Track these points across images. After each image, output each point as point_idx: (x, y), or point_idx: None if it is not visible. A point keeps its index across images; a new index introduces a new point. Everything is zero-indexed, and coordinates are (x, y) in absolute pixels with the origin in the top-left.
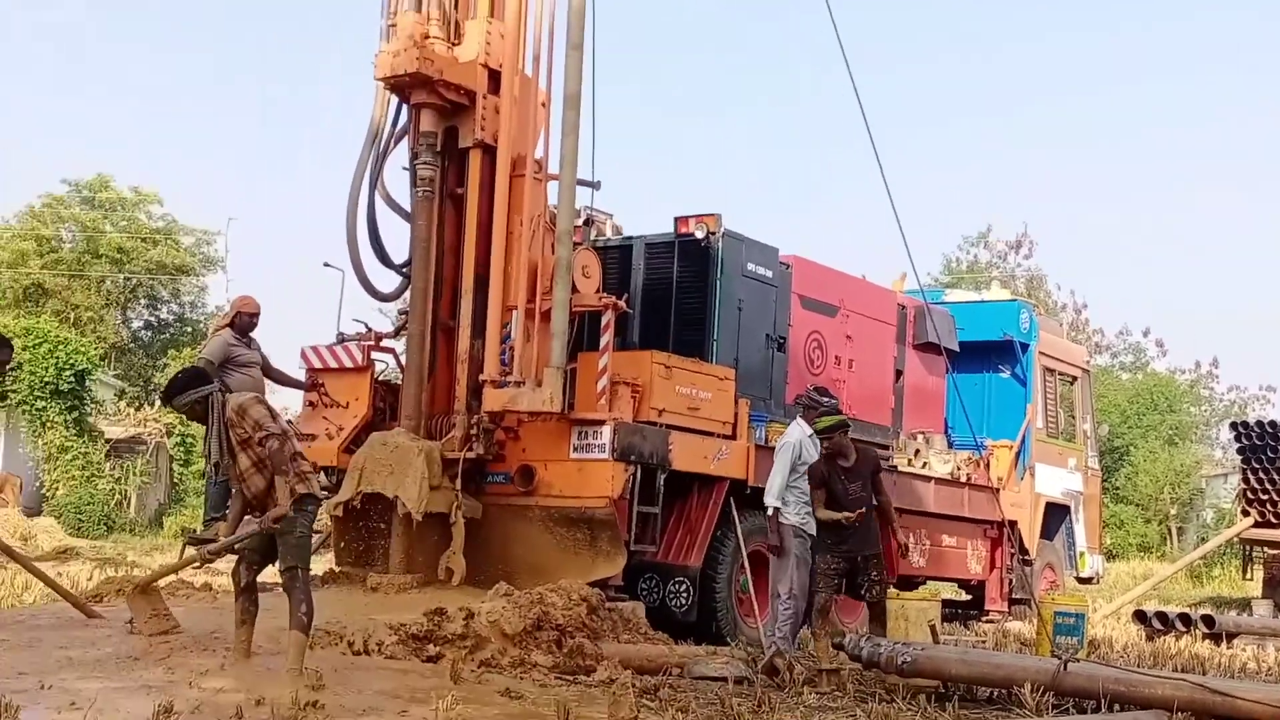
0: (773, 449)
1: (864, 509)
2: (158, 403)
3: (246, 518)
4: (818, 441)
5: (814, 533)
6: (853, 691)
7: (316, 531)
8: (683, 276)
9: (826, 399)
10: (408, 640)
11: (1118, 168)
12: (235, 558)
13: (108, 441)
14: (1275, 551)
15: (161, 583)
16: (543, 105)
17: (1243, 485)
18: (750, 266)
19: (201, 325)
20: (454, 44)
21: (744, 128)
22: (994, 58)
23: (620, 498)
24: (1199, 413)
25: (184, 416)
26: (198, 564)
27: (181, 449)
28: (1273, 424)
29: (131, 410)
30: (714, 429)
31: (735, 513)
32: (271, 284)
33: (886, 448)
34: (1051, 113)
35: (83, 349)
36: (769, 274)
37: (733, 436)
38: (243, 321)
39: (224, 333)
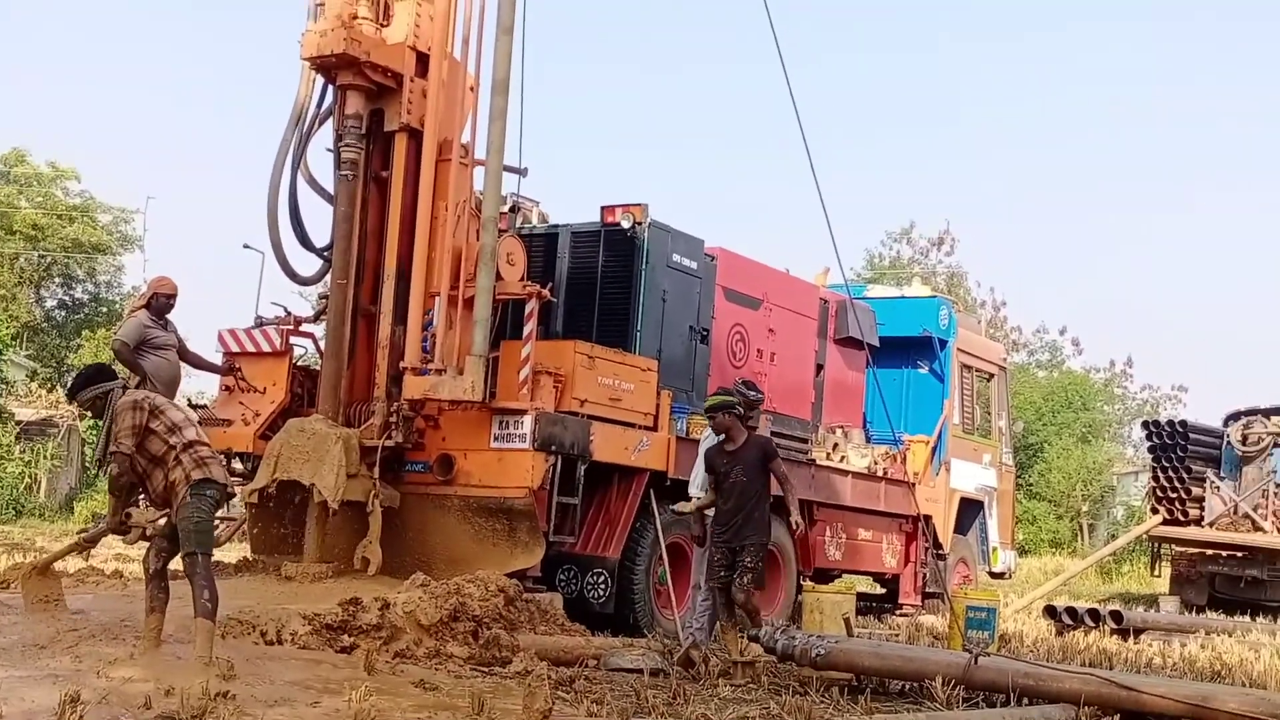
0: (695, 441)
1: (740, 496)
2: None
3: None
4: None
5: None
6: (767, 684)
7: (230, 518)
8: (608, 266)
9: (753, 393)
10: (322, 630)
11: (1038, 169)
12: (147, 543)
13: (18, 423)
14: (1182, 549)
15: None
16: (471, 90)
17: (1152, 483)
18: (675, 258)
19: (117, 305)
20: (382, 25)
21: (673, 120)
22: (924, 59)
23: (540, 488)
24: (1112, 411)
25: (88, 412)
26: (80, 549)
27: (95, 433)
28: (1183, 423)
29: (43, 392)
30: (636, 420)
31: (655, 504)
32: (190, 265)
33: (805, 440)
34: (977, 113)
35: None
36: (694, 265)
37: (654, 428)
38: (159, 303)
39: (140, 314)
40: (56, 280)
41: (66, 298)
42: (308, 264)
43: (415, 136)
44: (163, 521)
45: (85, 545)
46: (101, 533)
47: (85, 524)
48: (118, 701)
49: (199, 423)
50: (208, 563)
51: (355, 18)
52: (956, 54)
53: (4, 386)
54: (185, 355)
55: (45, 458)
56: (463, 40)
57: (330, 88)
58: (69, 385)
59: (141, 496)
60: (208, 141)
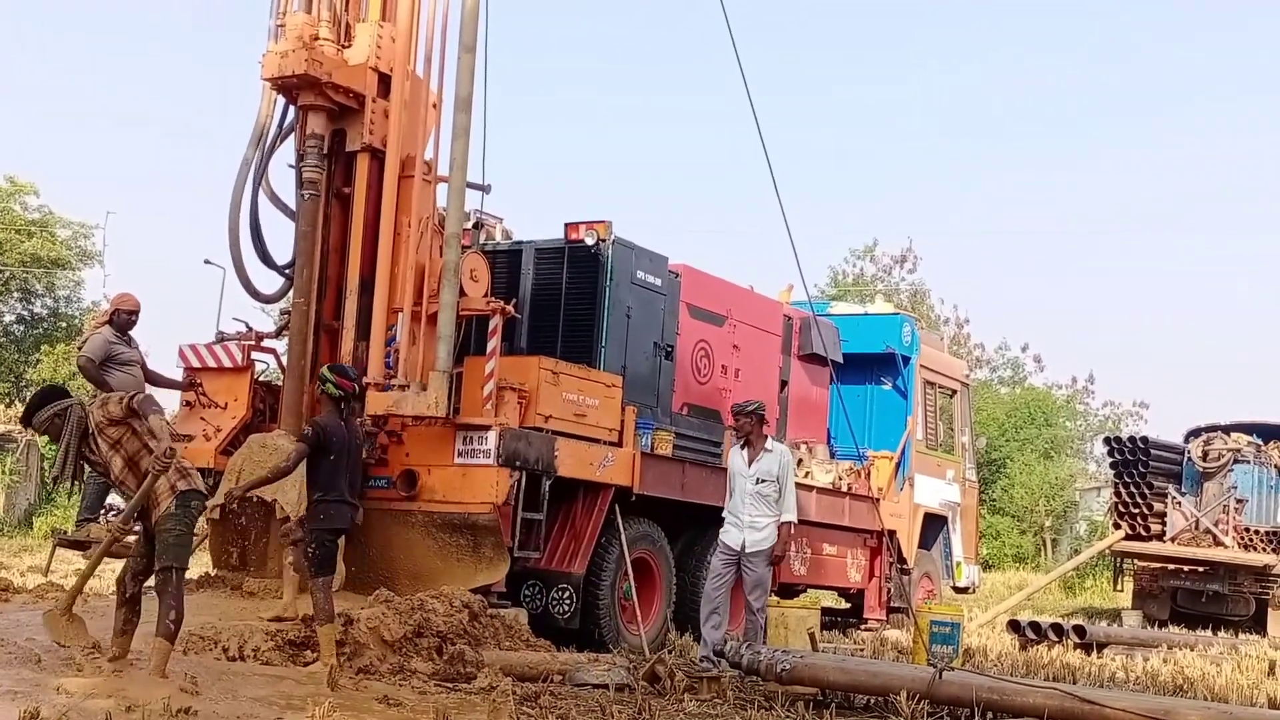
0: (660, 457)
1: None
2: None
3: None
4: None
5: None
6: (732, 699)
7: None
8: (572, 283)
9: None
10: (284, 646)
11: (1001, 187)
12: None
13: None
14: (1144, 563)
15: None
16: (434, 106)
17: (1114, 499)
18: (640, 274)
19: (77, 320)
20: (344, 46)
21: (637, 136)
22: (889, 79)
23: (504, 504)
24: (1074, 427)
25: (45, 436)
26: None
27: (53, 449)
28: (1144, 440)
29: (1, 407)
30: (600, 436)
31: (620, 520)
32: (150, 280)
33: None
34: (939, 132)
35: None
36: (658, 282)
37: (619, 444)
38: (121, 319)
39: (104, 330)
40: (15, 295)
41: (25, 312)
42: (269, 281)
43: (378, 156)
44: (132, 539)
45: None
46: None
47: (44, 538)
48: (78, 718)
49: None
50: (181, 580)
51: (316, 39)
52: (920, 75)
53: None
54: (145, 373)
55: (3, 473)
56: (425, 58)
57: (291, 107)
58: (23, 413)
59: (105, 513)
60: (168, 158)
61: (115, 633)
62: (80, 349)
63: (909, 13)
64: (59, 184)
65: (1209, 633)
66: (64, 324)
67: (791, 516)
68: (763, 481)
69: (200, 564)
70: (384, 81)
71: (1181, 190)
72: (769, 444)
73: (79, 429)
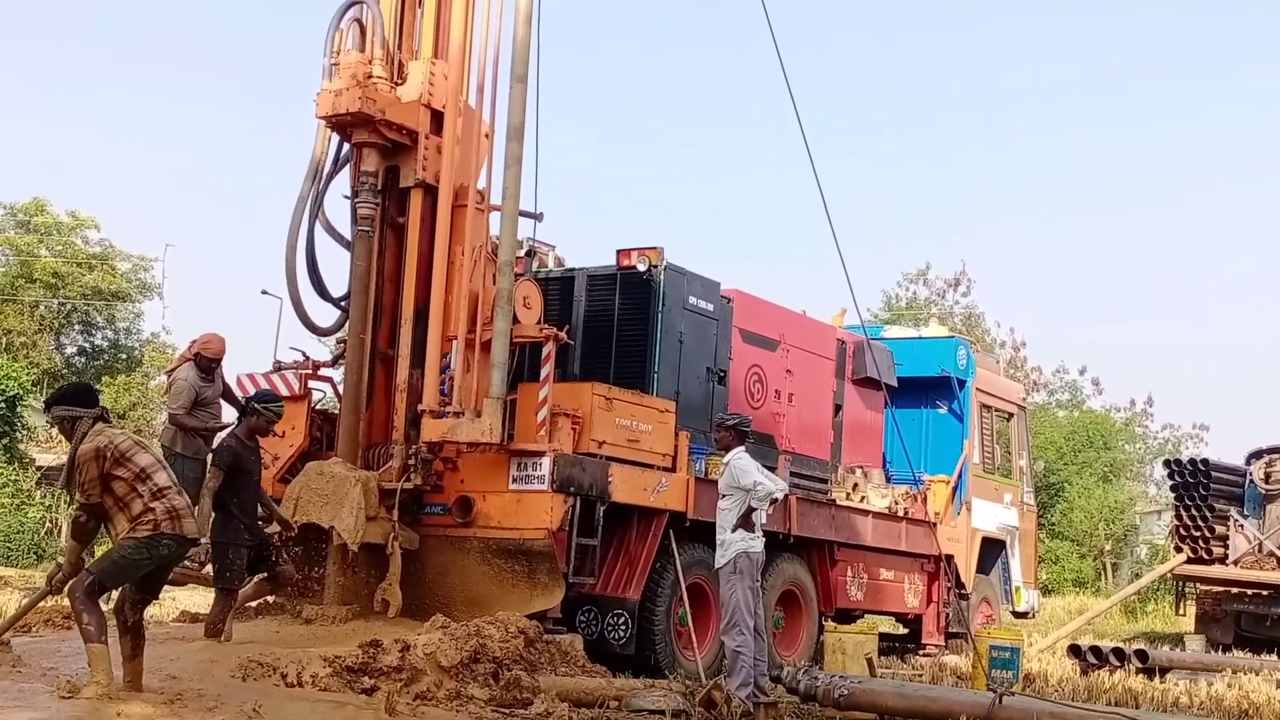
0: (714, 482)
1: None
2: None
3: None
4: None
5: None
6: None
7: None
8: (624, 309)
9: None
10: (342, 672)
11: (1057, 209)
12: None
13: (38, 469)
14: (1207, 587)
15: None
16: (486, 136)
17: (1175, 522)
18: (692, 300)
19: (136, 352)
20: (397, 84)
21: (688, 162)
22: (941, 101)
23: (559, 529)
24: (1133, 450)
25: (55, 428)
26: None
27: None
28: (1205, 462)
29: (63, 438)
30: (654, 461)
31: (675, 545)
32: (208, 310)
33: (825, 481)
34: (993, 153)
35: (14, 374)
36: (710, 307)
37: (673, 469)
38: (203, 363)
39: (188, 374)
40: (76, 327)
41: (86, 344)
42: (326, 313)
43: (431, 191)
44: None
45: (36, 601)
46: (56, 585)
47: None
48: None
49: None
50: (93, 591)
51: (370, 77)
52: (972, 97)
53: (25, 433)
54: (226, 396)
55: (65, 503)
56: (477, 88)
57: (345, 143)
58: (51, 395)
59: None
60: (226, 190)
61: (125, 659)
62: (168, 397)
63: (963, 44)
64: (119, 217)
65: (1274, 657)
66: (124, 355)
67: (768, 489)
68: (724, 496)
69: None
70: (436, 117)
71: (1235, 211)
72: (727, 456)
73: (75, 447)
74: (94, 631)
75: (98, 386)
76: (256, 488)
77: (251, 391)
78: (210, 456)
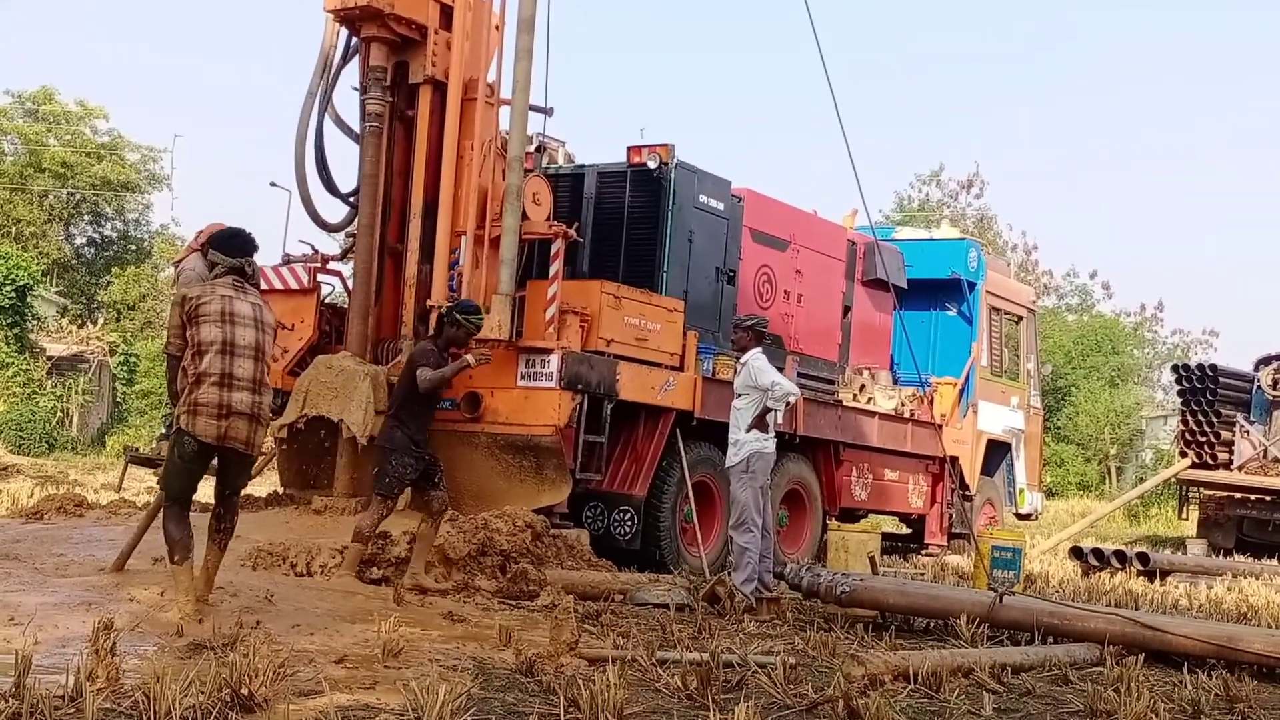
0: (722, 381)
1: None
2: (100, 320)
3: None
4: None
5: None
6: (792, 620)
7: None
8: (634, 206)
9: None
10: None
11: (1072, 114)
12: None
13: (49, 359)
14: (1210, 492)
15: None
16: (496, 29)
17: (1181, 427)
18: (702, 198)
19: (145, 243)
20: None
21: (701, 59)
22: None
23: (567, 426)
24: (1142, 355)
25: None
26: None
27: (125, 368)
28: (1213, 368)
29: (74, 328)
30: (662, 360)
31: (681, 443)
32: (217, 202)
33: (832, 382)
34: (1008, 56)
35: (24, 264)
36: (721, 206)
37: (680, 368)
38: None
39: (197, 263)
40: (85, 218)
41: (96, 235)
42: (334, 209)
43: (440, 88)
44: None
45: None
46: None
47: (116, 456)
48: (151, 628)
49: None
50: (159, 504)
51: None
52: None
53: (35, 323)
54: None
55: (76, 393)
56: None
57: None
58: (247, 239)
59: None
60: (234, 82)
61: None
62: (176, 288)
63: None
64: (128, 108)
65: (1275, 561)
66: (133, 246)
67: (785, 390)
68: (740, 395)
69: (269, 483)
70: (446, 12)
71: (1253, 114)
72: (744, 357)
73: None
74: (170, 551)
75: (107, 277)
76: (435, 405)
77: (261, 285)
78: (413, 354)
